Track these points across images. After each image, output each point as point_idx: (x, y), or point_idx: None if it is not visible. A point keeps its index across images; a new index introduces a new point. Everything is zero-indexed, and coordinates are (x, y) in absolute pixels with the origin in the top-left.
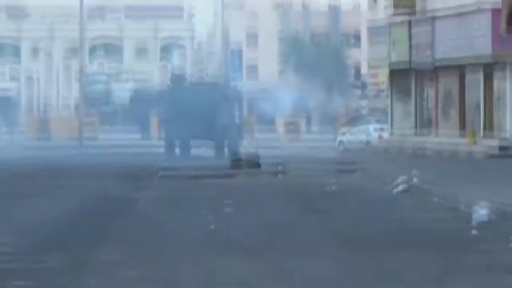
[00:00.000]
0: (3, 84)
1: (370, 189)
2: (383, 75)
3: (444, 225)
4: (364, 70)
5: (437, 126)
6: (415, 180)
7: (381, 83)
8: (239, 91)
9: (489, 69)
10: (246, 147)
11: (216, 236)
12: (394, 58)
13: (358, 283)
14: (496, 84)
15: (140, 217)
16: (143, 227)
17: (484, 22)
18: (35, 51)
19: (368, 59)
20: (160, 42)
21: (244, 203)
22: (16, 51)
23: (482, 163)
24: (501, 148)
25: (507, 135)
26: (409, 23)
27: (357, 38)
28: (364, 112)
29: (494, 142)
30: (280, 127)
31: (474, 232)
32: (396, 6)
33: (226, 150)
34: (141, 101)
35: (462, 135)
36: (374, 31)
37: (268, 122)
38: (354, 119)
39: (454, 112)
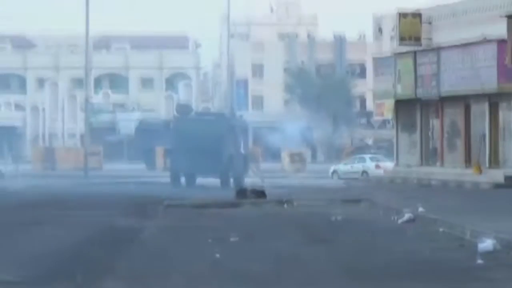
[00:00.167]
0: (8, 114)
1: (376, 219)
2: (389, 106)
3: (449, 254)
4: (369, 100)
5: (442, 157)
6: (420, 210)
7: (386, 114)
8: (245, 121)
9: (494, 100)
10: (251, 177)
11: (222, 266)
12: (399, 88)
13: None
14: (501, 115)
15: (145, 247)
16: (148, 256)
17: (489, 53)
18: (40, 81)
19: (374, 90)
20: (166, 73)
21: (250, 233)
22: (22, 81)
23: (487, 194)
24: (507, 178)
25: None
26: (415, 54)
27: (363, 69)
28: (370, 142)
29: (500, 173)
30: (286, 158)
31: (479, 261)
32: (401, 37)
33: (231, 180)
34: (146, 131)
35: (467, 166)
36: (380, 61)
37: (274, 152)
38: (359, 150)
39: (460, 143)
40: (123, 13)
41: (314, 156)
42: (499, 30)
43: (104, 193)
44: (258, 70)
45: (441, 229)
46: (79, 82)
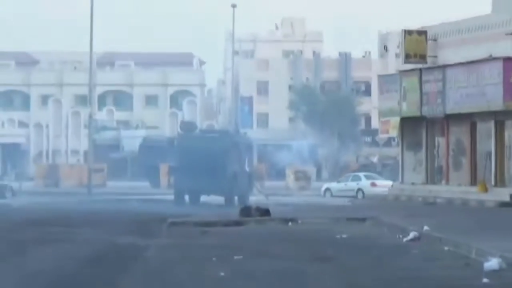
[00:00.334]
0: (12, 131)
1: (381, 237)
2: (394, 124)
3: (455, 273)
4: (374, 118)
5: (448, 175)
6: (425, 228)
7: (391, 132)
8: (249, 139)
9: (500, 118)
10: (255, 195)
11: (226, 285)
12: (404, 106)
13: None
14: (507, 133)
15: (149, 265)
16: (152, 275)
17: (495, 71)
18: (44, 98)
19: (379, 108)
20: (170, 90)
21: (254, 251)
22: (25, 98)
23: (493, 212)
24: None
25: None
26: (420, 71)
27: (368, 86)
28: (375, 160)
29: (505, 191)
30: (290, 175)
31: (485, 280)
32: (406, 54)
33: (235, 197)
34: (150, 148)
35: (473, 184)
36: (385, 79)
37: (278, 170)
38: (364, 168)
39: (465, 161)
40: (127, 30)
41: (319, 174)
42: (505, 48)
43: (108, 210)
44: (262, 87)
45: (446, 248)
46: (82, 99)
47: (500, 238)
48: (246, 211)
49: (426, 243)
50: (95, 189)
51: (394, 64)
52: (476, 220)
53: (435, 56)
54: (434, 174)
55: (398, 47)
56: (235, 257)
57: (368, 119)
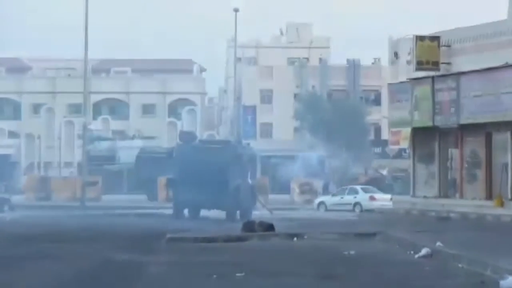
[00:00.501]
0: (2, 142)
1: (391, 253)
2: (405, 134)
3: None
4: (384, 129)
5: (462, 188)
6: (438, 244)
7: (402, 143)
8: (252, 150)
9: None
10: (259, 209)
11: None
12: (416, 116)
13: None
14: None
15: (146, 283)
16: None
17: None
18: (36, 107)
19: (389, 117)
20: (168, 98)
21: (257, 268)
22: (16, 107)
23: (510, 227)
24: None
25: None
26: (433, 79)
27: (377, 95)
28: (384, 173)
29: None
30: (295, 188)
31: None
32: (418, 61)
33: (238, 212)
34: (147, 160)
35: (488, 198)
36: (395, 87)
37: (283, 183)
38: (373, 180)
39: (480, 174)
40: (124, 36)
41: (325, 187)
42: None
43: (103, 225)
44: (266, 96)
45: (460, 265)
46: (77, 108)
47: None
48: (249, 226)
49: (439, 260)
50: (89, 203)
51: (405, 71)
52: (492, 235)
53: (449, 63)
54: (448, 188)
55: (409, 53)
56: (237, 275)
57: (377, 129)
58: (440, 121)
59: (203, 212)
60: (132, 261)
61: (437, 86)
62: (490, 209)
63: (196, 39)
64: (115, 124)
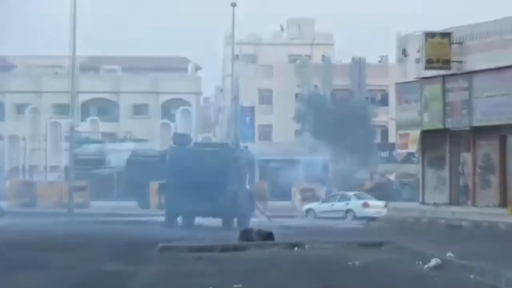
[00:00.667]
0: None
1: (398, 264)
2: (414, 137)
3: None
4: (391, 131)
5: (474, 195)
6: (449, 254)
7: (411, 146)
8: (250, 153)
9: None
10: (257, 216)
11: None
12: (426, 118)
13: None
14: None
15: None
16: None
17: None
18: (20, 107)
19: (397, 119)
20: (161, 98)
21: (255, 279)
22: None
23: None
24: None
25: None
26: (443, 78)
27: (384, 95)
28: (392, 178)
29: None
30: (296, 194)
31: None
32: (428, 59)
33: (234, 219)
34: (139, 164)
35: (502, 205)
36: (403, 87)
37: (283, 188)
38: (380, 186)
39: (494, 179)
40: (114, 32)
41: (329, 193)
42: None
43: (91, 233)
44: (265, 95)
45: (472, 276)
46: (63, 109)
47: None
48: (247, 234)
49: (450, 271)
50: (77, 209)
51: (414, 70)
52: (506, 245)
53: (461, 62)
54: (459, 194)
55: (418, 51)
56: (234, 286)
57: (384, 132)
58: (451, 123)
59: (198, 220)
60: (122, 271)
61: (448, 85)
62: (504, 217)
63: (191, 35)
64: (105, 126)
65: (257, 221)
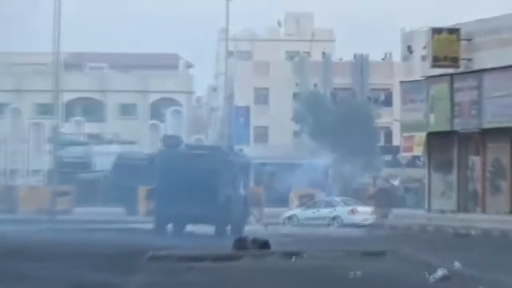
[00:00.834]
0: None
1: (403, 275)
2: (419, 140)
3: None
4: (396, 133)
5: (484, 201)
6: (457, 265)
7: (416, 149)
8: (245, 156)
9: None
10: (252, 224)
11: None
12: (432, 119)
13: None
14: None
15: None
16: None
17: None
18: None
19: (401, 121)
20: (151, 97)
21: None
22: None
23: None
24: None
25: None
26: (451, 77)
27: (388, 95)
28: (396, 183)
29: None
30: (294, 200)
31: None
32: (435, 57)
33: (228, 227)
34: (126, 167)
35: None
36: (409, 86)
37: (280, 194)
38: (383, 192)
39: (505, 185)
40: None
41: (328, 197)
42: None
43: (75, 241)
44: (262, 95)
45: None
46: (46, 109)
47: None
48: (241, 243)
49: (458, 282)
50: (60, 215)
51: (420, 68)
52: None
53: (469, 59)
54: (467, 200)
55: (424, 48)
56: None
57: (388, 134)
58: (459, 125)
59: (189, 227)
60: (108, 283)
61: (456, 85)
62: None
63: (182, 30)
64: (90, 127)
65: (252, 229)
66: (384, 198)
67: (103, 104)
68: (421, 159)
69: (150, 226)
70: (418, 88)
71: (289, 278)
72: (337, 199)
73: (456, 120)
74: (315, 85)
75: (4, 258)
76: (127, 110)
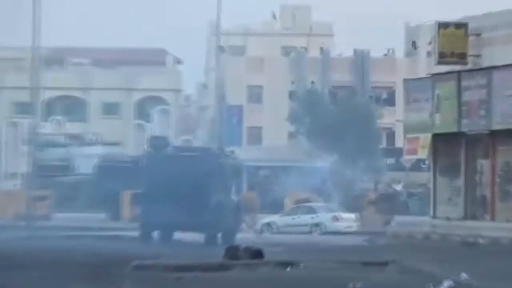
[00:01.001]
0: None
1: (406, 287)
2: (424, 142)
3: None
4: (399, 134)
5: (493, 208)
6: (464, 277)
7: (420, 152)
8: (237, 159)
9: None
10: (245, 231)
11: None
12: (438, 119)
13: None
14: None
15: None
16: None
17: None
18: None
19: (404, 121)
20: (136, 95)
21: None
22: None
23: None
24: None
25: None
26: (459, 75)
27: (391, 93)
28: (399, 188)
29: None
30: (289, 206)
31: None
32: (441, 53)
33: (219, 235)
34: (109, 170)
35: None
36: (413, 84)
37: (274, 199)
38: (385, 197)
39: None
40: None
41: (327, 202)
42: None
43: (54, 249)
44: (255, 93)
45: None
46: (24, 107)
47: None
48: (233, 252)
49: None
50: (38, 222)
51: (425, 65)
52: None
53: (478, 56)
54: (475, 207)
55: (430, 43)
56: None
57: (390, 135)
58: (467, 126)
59: (177, 235)
60: None
61: (463, 83)
62: None
63: (170, 23)
64: (71, 127)
65: (244, 237)
66: (386, 204)
67: (85, 102)
68: (426, 162)
69: (135, 233)
70: (423, 87)
71: None
72: (318, 204)
73: (464, 121)
74: (312, 82)
75: None
76: (110, 109)
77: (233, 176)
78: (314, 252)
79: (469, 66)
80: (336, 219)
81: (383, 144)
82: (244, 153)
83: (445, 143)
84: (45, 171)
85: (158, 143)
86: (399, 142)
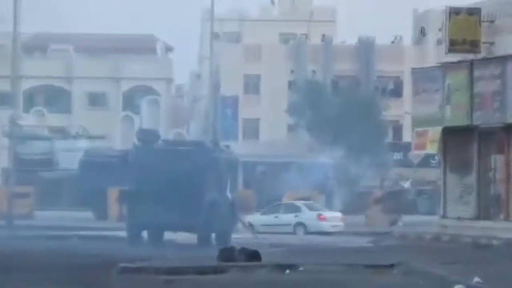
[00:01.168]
0: None
1: None
2: (433, 136)
3: None
4: (407, 127)
5: (508, 207)
6: (476, 280)
7: (430, 147)
8: (233, 154)
9: None
10: (240, 231)
11: None
12: (448, 111)
13: None
14: None
15: None
16: None
17: None
18: None
19: (413, 113)
20: (124, 85)
21: None
22: None
23: None
24: None
25: None
26: (471, 64)
27: (398, 84)
28: (406, 185)
29: None
30: None
31: None
32: (452, 40)
33: (213, 235)
34: (95, 166)
35: None
36: (422, 74)
37: (273, 197)
38: (391, 195)
39: None
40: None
41: (329, 203)
42: None
43: (36, 250)
44: (252, 83)
45: None
46: (2, 97)
47: None
48: (228, 253)
49: None
50: (18, 220)
51: (435, 53)
52: None
53: (492, 43)
54: (489, 206)
55: (440, 30)
56: None
57: (398, 128)
58: (480, 119)
59: (168, 235)
60: None
61: (476, 73)
62: None
63: (160, 8)
64: (53, 119)
65: (240, 238)
66: (393, 203)
67: (69, 92)
68: (436, 158)
69: (122, 233)
70: (432, 77)
71: None
72: (300, 203)
73: (476, 114)
74: (313, 72)
75: None
76: (96, 99)
77: (228, 172)
78: (314, 253)
79: (482, 55)
80: (320, 218)
81: (390, 138)
82: (240, 148)
83: (456, 137)
84: (26, 166)
85: (147, 136)
86: (407, 136)
